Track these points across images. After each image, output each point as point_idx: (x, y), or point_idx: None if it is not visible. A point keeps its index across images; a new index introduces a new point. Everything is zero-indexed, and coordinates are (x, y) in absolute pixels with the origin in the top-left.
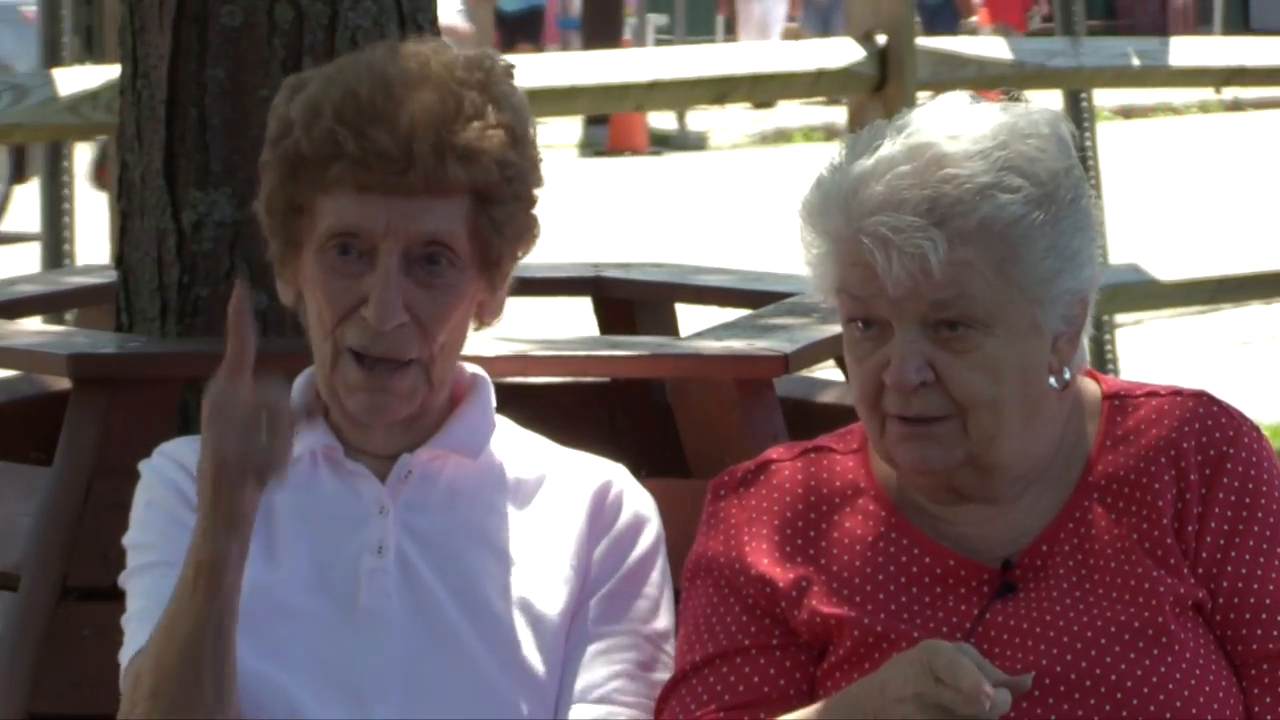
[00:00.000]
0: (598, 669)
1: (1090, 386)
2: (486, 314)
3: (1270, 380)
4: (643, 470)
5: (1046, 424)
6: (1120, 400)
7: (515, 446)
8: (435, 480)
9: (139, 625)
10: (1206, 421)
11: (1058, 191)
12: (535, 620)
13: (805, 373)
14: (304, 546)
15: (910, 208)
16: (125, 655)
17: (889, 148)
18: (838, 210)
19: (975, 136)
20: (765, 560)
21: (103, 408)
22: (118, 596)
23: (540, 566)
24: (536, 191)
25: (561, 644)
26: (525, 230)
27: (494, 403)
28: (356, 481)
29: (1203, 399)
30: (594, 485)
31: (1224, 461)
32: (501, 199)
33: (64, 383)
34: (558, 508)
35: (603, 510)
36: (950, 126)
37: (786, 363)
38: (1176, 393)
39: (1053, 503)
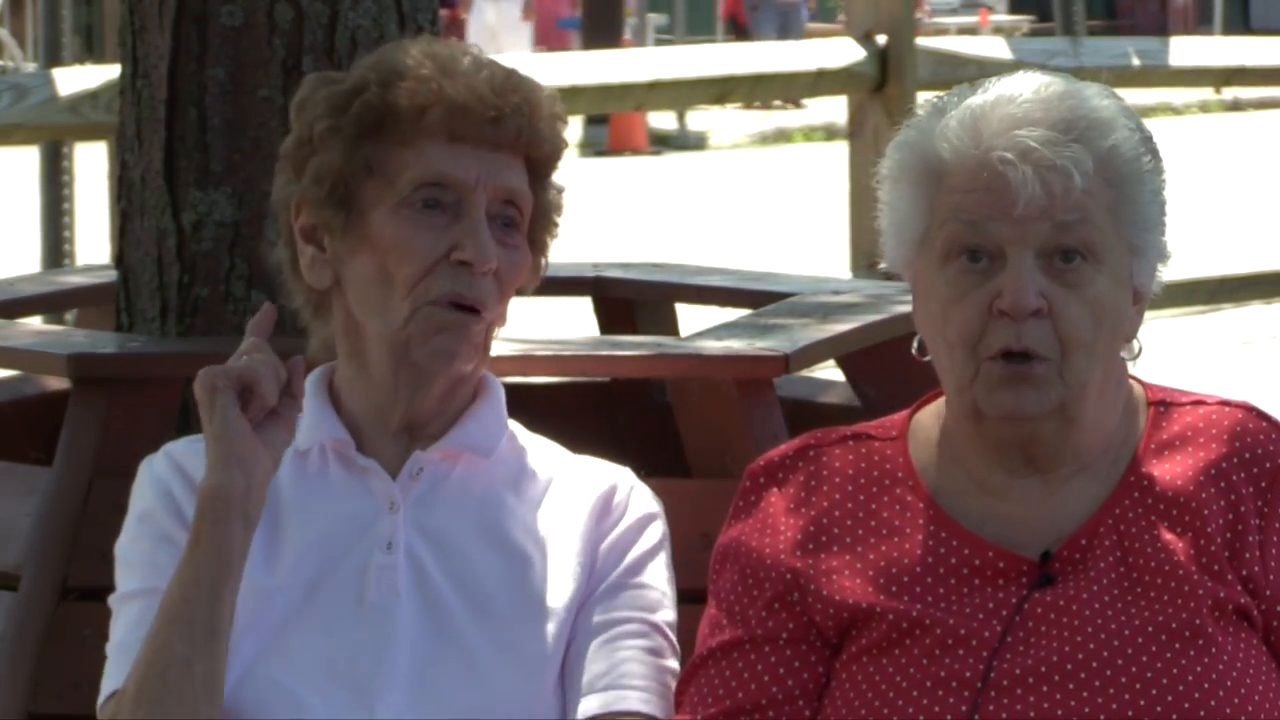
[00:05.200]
0: (604, 658)
1: (1137, 389)
2: (524, 288)
3: (1270, 380)
4: (643, 470)
5: (1112, 401)
6: (1165, 407)
7: (525, 448)
8: (447, 478)
9: (119, 658)
10: (1259, 435)
11: (1154, 149)
12: (544, 623)
13: (805, 373)
14: (311, 541)
15: (1048, 125)
16: (105, 688)
17: (1000, 88)
18: (964, 132)
19: (1085, 84)
20: (797, 550)
21: (103, 408)
22: None
23: (549, 568)
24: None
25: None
26: (549, 233)
27: (505, 404)
28: (368, 477)
29: (1251, 412)
30: (601, 487)
31: None
32: (551, 177)
33: (64, 383)
34: (566, 508)
35: (610, 510)
36: (1055, 77)
37: (786, 363)
38: (1223, 404)
39: (1095, 495)
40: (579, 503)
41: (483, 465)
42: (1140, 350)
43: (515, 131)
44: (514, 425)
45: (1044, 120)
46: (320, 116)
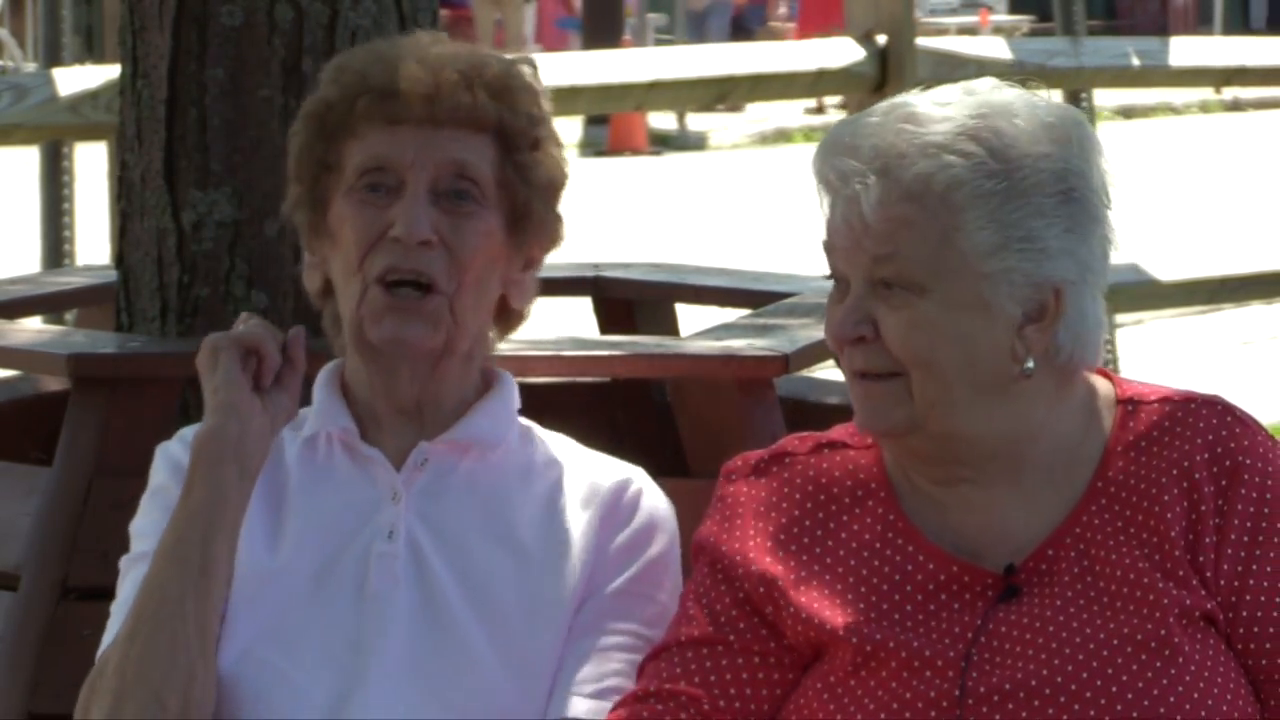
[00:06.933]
0: (596, 664)
1: (1105, 387)
2: (514, 297)
3: (1270, 380)
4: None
5: (1024, 409)
6: (1134, 405)
7: (535, 443)
8: (452, 470)
9: (120, 614)
10: (1221, 431)
11: (1019, 172)
12: (542, 618)
13: (805, 373)
14: (314, 527)
15: (860, 154)
16: (105, 641)
17: (881, 105)
18: (817, 158)
19: (958, 106)
20: (767, 557)
21: (103, 408)
22: None
23: (552, 567)
24: (565, 173)
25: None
26: (552, 182)
27: (517, 401)
28: (371, 467)
29: (1216, 406)
30: (611, 485)
31: (1240, 472)
32: (527, 147)
33: (64, 383)
34: (573, 506)
35: (618, 509)
36: (947, 95)
37: (786, 363)
38: (1190, 399)
39: (1059, 503)
40: (587, 502)
41: (490, 459)
42: (1034, 368)
43: (453, 107)
44: (526, 422)
45: (860, 147)
46: (296, 121)
